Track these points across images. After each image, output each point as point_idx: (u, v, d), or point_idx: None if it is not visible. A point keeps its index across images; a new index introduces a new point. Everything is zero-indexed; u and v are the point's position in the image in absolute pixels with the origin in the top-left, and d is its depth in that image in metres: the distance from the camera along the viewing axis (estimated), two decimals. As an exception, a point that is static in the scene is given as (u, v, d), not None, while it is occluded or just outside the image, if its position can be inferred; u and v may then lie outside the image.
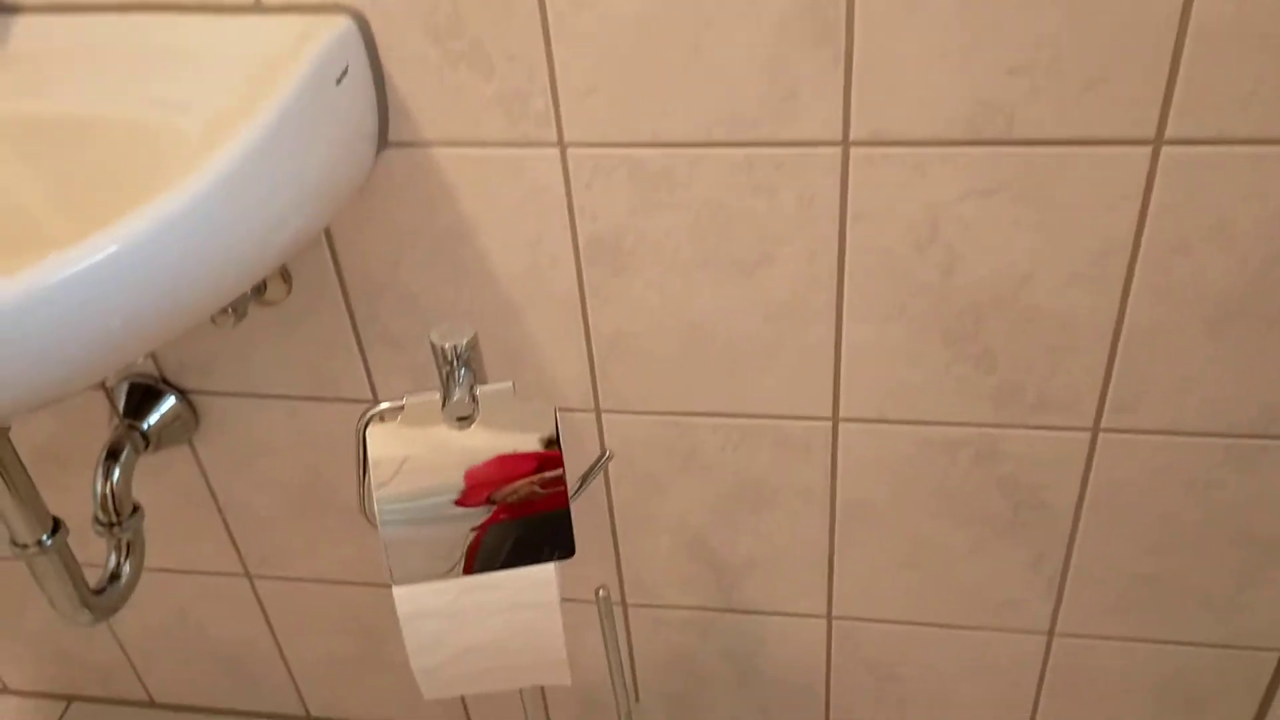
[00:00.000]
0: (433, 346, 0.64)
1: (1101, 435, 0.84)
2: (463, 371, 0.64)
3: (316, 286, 0.87)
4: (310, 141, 0.66)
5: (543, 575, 0.66)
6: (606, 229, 0.80)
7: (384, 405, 0.65)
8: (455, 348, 0.63)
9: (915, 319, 0.80)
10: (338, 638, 1.16)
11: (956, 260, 0.77)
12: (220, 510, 1.06)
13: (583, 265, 0.82)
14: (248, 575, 1.12)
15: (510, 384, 0.64)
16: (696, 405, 0.89)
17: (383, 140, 0.78)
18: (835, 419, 0.87)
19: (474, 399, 0.63)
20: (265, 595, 1.13)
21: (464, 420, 0.63)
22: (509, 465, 0.64)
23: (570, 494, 0.65)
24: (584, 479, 0.69)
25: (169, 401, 0.97)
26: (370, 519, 0.67)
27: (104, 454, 0.93)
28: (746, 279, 0.80)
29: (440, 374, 0.65)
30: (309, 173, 0.66)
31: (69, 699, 1.33)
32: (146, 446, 0.96)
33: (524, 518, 0.64)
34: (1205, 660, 0.97)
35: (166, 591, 1.15)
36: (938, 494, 0.90)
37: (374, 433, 0.63)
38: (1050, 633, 0.99)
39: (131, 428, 0.95)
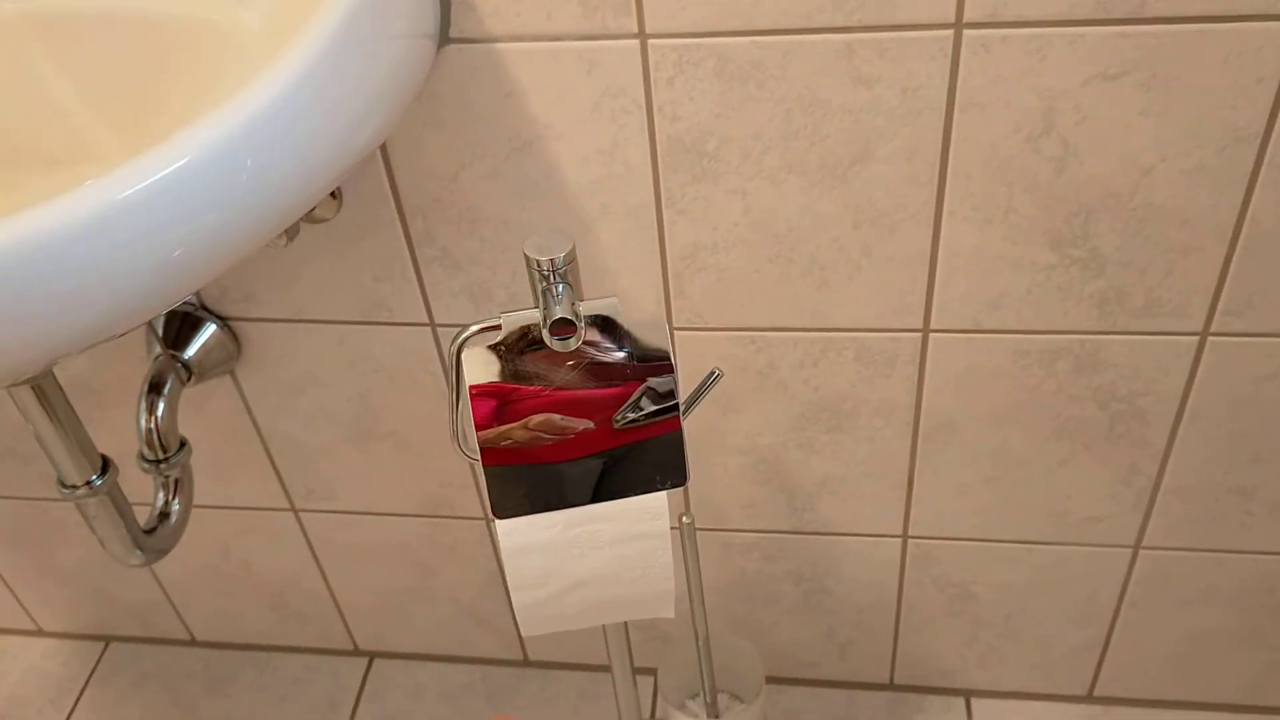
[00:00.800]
0: (528, 260, 0.58)
1: (1210, 339, 0.79)
2: (561, 287, 0.58)
3: (369, 202, 0.81)
4: (379, 36, 0.59)
5: (654, 505, 0.61)
6: (688, 131, 0.74)
7: (478, 325, 0.59)
8: (554, 261, 0.58)
9: (1021, 221, 0.75)
10: (388, 571, 1.12)
11: (1071, 155, 0.71)
12: (265, 443, 1.01)
13: (660, 173, 0.76)
14: (293, 510, 1.08)
15: (614, 299, 0.59)
16: (775, 320, 0.84)
17: (444, 36, 0.71)
18: (926, 330, 0.82)
19: (577, 315, 0.58)
20: (312, 530, 1.09)
21: (566, 340, 0.58)
22: (617, 387, 0.59)
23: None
24: (692, 398, 0.64)
25: (209, 330, 0.91)
26: (465, 451, 0.63)
27: (146, 387, 0.88)
28: (838, 183, 0.75)
29: (535, 290, 0.59)
30: (379, 71, 0.60)
31: (107, 639, 1.29)
32: (189, 378, 0.91)
33: (635, 443, 0.60)
34: (1296, 570, 0.94)
35: (208, 528, 1.11)
36: (1029, 407, 0.86)
37: (470, 356, 0.58)
38: (1136, 546, 0.95)
39: (173, 358, 0.90)
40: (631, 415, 0.59)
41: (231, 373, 0.95)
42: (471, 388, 0.59)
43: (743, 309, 0.83)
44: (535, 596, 0.63)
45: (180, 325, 0.91)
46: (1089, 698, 1.11)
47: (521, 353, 0.59)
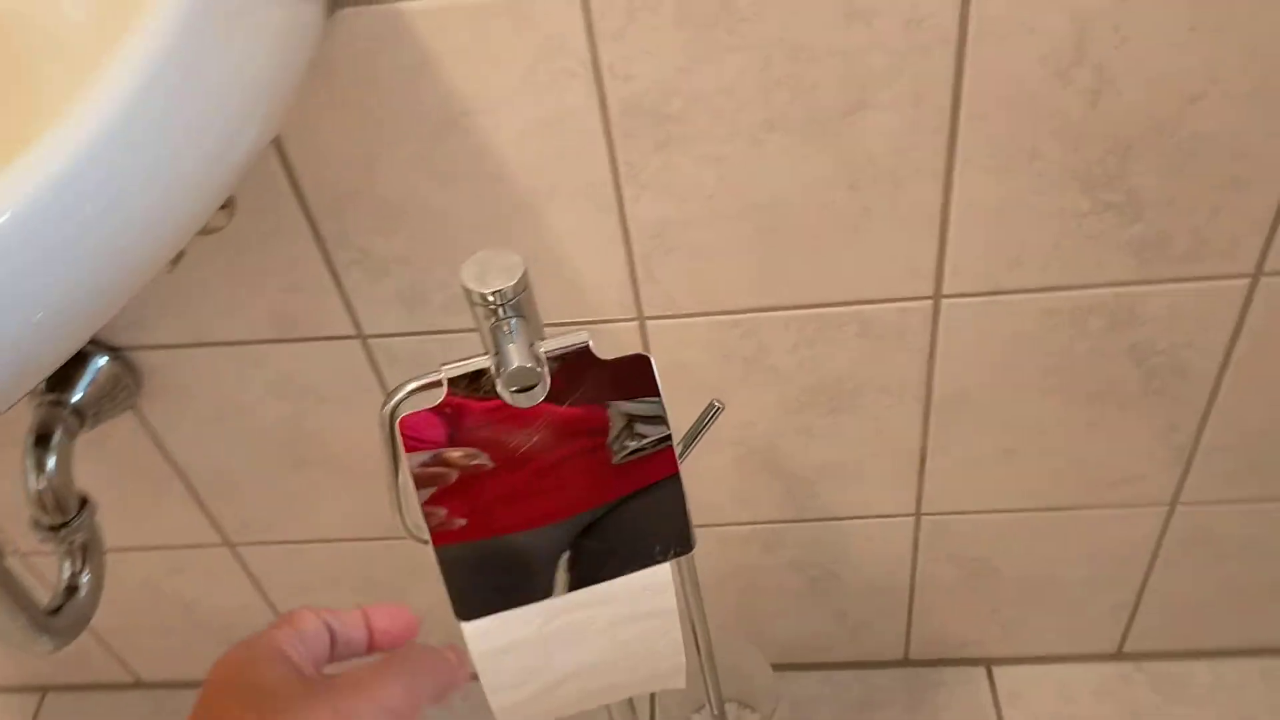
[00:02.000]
0: (468, 293, 0.45)
1: (1263, 280, 0.69)
2: (514, 323, 0.46)
3: (268, 205, 0.68)
4: (244, 10, 0.46)
5: (657, 579, 0.50)
6: (646, 91, 0.61)
7: (413, 383, 0.47)
8: (501, 293, 0.45)
9: (1047, 165, 0.63)
10: (340, 595, 1.00)
11: (1107, 84, 0.59)
12: (184, 478, 0.88)
13: (615, 143, 0.63)
14: (228, 545, 0.95)
15: (585, 334, 0.46)
16: (763, 299, 0.72)
17: None
18: (937, 297, 0.71)
19: (539, 360, 0.45)
20: (253, 563, 0.97)
21: (527, 390, 0.46)
22: (595, 439, 0.47)
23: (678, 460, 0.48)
24: (690, 437, 0.52)
25: (98, 364, 0.78)
26: (413, 532, 0.51)
27: (30, 441, 0.74)
28: (830, 138, 0.62)
29: (482, 329, 0.47)
30: (252, 54, 0.46)
31: (43, 690, 1.17)
32: (81, 424, 0.77)
33: (624, 504, 0.48)
34: (1344, 512, 0.86)
35: (133, 571, 0.98)
36: (1056, 371, 0.75)
37: (410, 422, 0.46)
38: (1172, 504, 0.86)
39: (58, 404, 0.76)
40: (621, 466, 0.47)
41: (134, 408, 0.82)
42: (413, 460, 0.46)
43: (723, 290, 0.71)
44: (517, 697, 0.52)
45: (65, 363, 0.77)
46: (1118, 655, 1.03)
47: (469, 416, 0.47)
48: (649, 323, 0.74)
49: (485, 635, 0.49)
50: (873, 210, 0.66)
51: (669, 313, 0.73)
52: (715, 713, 0.85)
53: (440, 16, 0.58)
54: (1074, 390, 0.77)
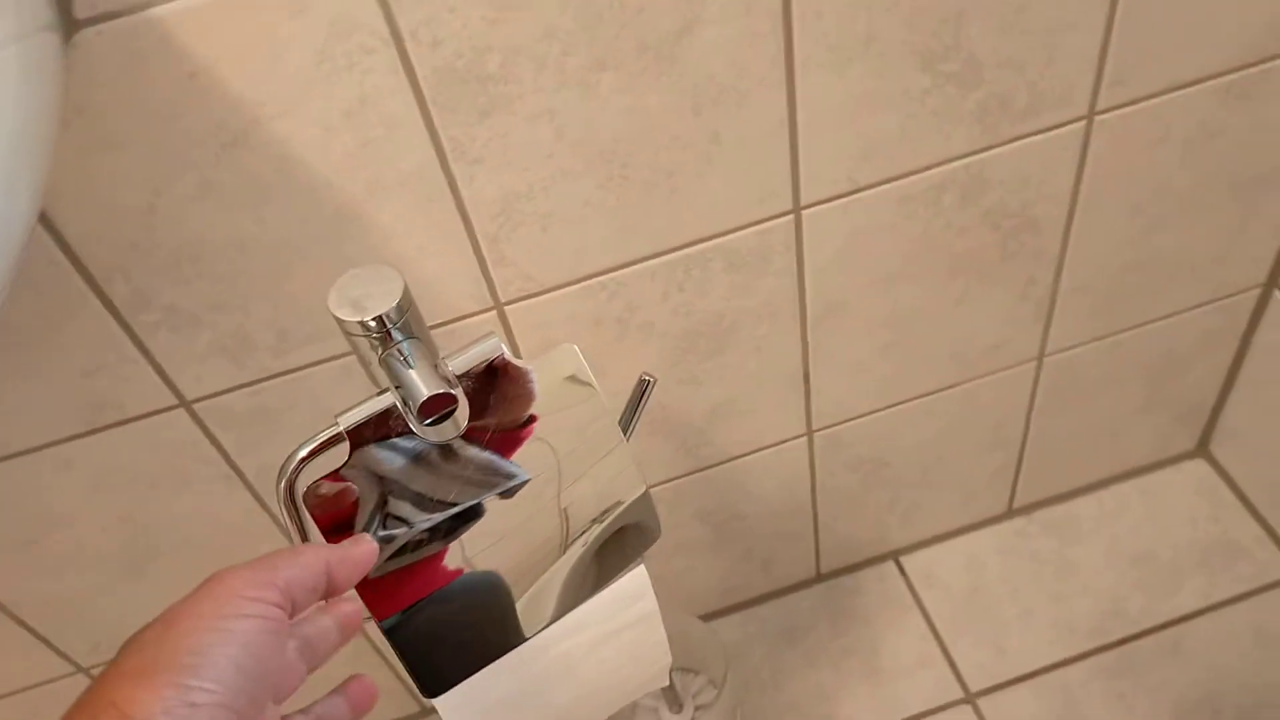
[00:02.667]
0: (344, 326, 0.38)
1: (1096, 120, 0.69)
2: (408, 346, 0.39)
3: (39, 281, 0.57)
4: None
5: (635, 583, 0.45)
6: (458, 54, 0.54)
7: (308, 445, 0.39)
8: (386, 316, 0.38)
9: (885, 46, 0.60)
10: (226, 685, 0.90)
11: (932, -48, 0.57)
12: (10, 613, 0.76)
13: (435, 118, 0.56)
14: (82, 671, 0.83)
15: (494, 337, 0.40)
16: (625, 254, 0.67)
17: (68, 20, 0.47)
18: (797, 210, 0.68)
19: (450, 382, 0.39)
20: (114, 683, 0.85)
21: (447, 418, 0.39)
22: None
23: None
24: (629, 416, 0.46)
25: None
26: None
27: None
28: (666, 66, 0.57)
29: (369, 364, 0.39)
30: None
31: None
32: None
33: (579, 513, 0.42)
34: (1188, 324, 0.90)
35: (-26, 734, 0.85)
36: (919, 256, 0.74)
37: (314, 493, 0.38)
38: (1039, 357, 0.88)
39: None
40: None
41: (-74, 554, 0.69)
42: (326, 530, 0.39)
43: (582, 255, 0.66)
44: None
45: None
46: (1010, 513, 1.06)
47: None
48: (508, 308, 0.67)
49: (463, 704, 0.42)
50: (721, 133, 0.62)
51: (527, 293, 0.67)
52: (665, 686, 0.81)
53: (202, 16, 0.49)
54: (938, 271, 0.76)
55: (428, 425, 0.39)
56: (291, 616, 0.35)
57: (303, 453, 0.38)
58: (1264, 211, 0.81)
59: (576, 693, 0.46)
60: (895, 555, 1.05)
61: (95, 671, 0.83)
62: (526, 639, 0.43)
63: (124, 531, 0.72)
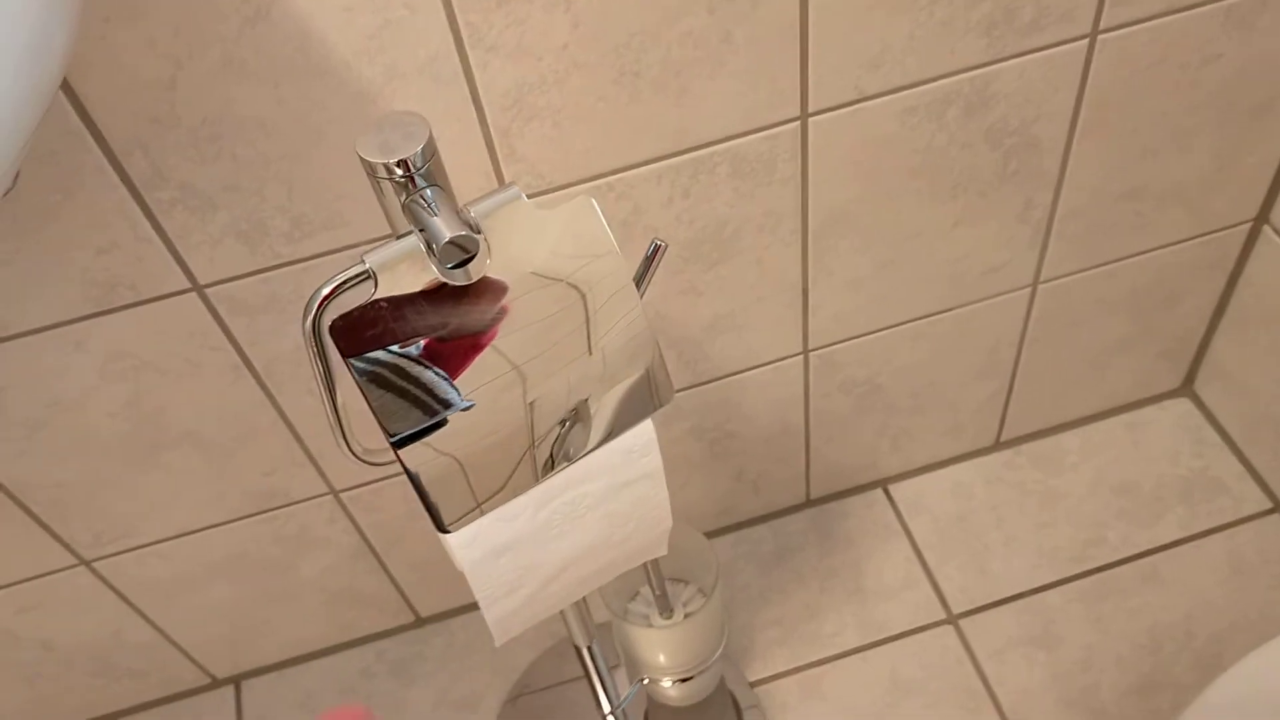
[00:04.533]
0: (369, 168, 0.39)
1: (1100, 39, 0.71)
2: (430, 193, 0.40)
3: (56, 153, 0.58)
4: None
5: (642, 439, 0.46)
6: (480, -64, 0.54)
7: (335, 280, 0.40)
8: (410, 161, 0.39)
9: (898, -48, 0.61)
10: (230, 588, 0.92)
11: None
12: (15, 499, 0.77)
13: (454, 4, 0.57)
14: (84, 563, 0.84)
15: (515, 187, 0.41)
16: (633, 155, 0.68)
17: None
18: (804, 117, 0.69)
19: (472, 227, 0.40)
20: (116, 578, 0.87)
21: (467, 264, 0.40)
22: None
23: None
24: (640, 275, 0.47)
25: (-117, 390, 0.65)
26: (363, 458, 0.44)
27: None
28: (682, -43, 0.58)
29: (388, 210, 0.41)
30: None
31: (-110, 786, 1.02)
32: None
33: (594, 368, 0.44)
34: (1178, 257, 0.92)
35: (-23, 623, 0.86)
36: (921, 171, 0.75)
37: (341, 327, 0.39)
38: (1034, 284, 0.89)
39: None
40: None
41: (-63, 432, 0.70)
42: (357, 367, 0.40)
43: (592, 153, 0.67)
44: (511, 604, 0.47)
45: None
46: (998, 444, 1.08)
47: (409, 305, 0.41)
48: (517, 205, 0.68)
49: (474, 542, 0.44)
50: (734, 33, 0.63)
51: (537, 189, 0.68)
52: (657, 592, 0.83)
53: (230, -119, 0.50)
54: (939, 188, 0.77)
55: (451, 269, 0.40)
56: None
57: (327, 289, 0.40)
58: (1257, 144, 0.83)
59: (581, 545, 0.48)
60: (884, 483, 1.07)
61: (97, 564, 0.84)
62: (538, 482, 0.44)
63: (130, 418, 0.73)
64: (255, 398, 0.75)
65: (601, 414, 0.45)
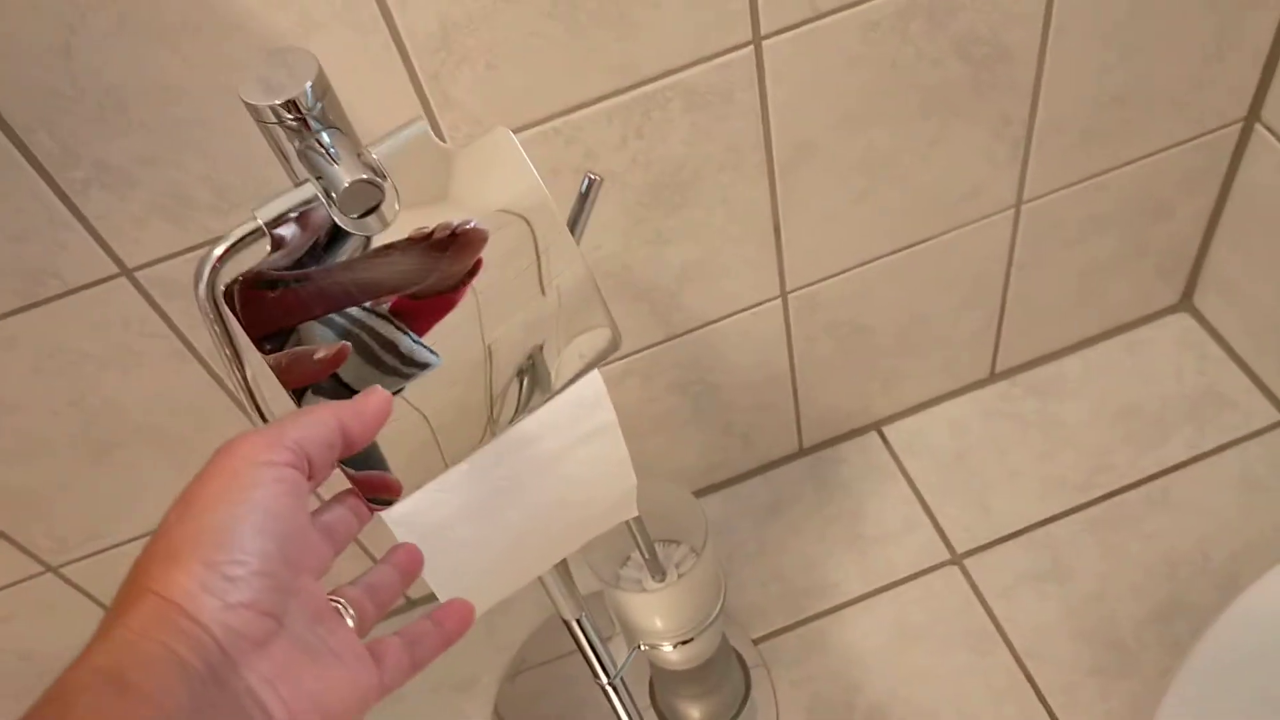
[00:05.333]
0: (256, 113, 0.35)
1: (1068, -67, 0.66)
2: (327, 135, 0.36)
3: (-48, 134, 0.54)
4: None
5: (591, 389, 0.42)
6: None
7: (223, 244, 0.36)
8: (297, 102, 0.35)
9: None
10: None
11: None
12: (-32, 512, 0.74)
13: (362, -63, 0.53)
14: (51, 570, 0.81)
15: (420, 121, 0.37)
16: (578, 95, 0.64)
17: None
18: (757, 40, 0.65)
19: (376, 170, 0.36)
20: (86, 582, 0.83)
21: (371, 211, 0.36)
22: (468, 244, 0.38)
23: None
24: (575, 216, 0.43)
25: None
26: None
27: None
28: None
29: (289, 156, 0.37)
30: None
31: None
32: None
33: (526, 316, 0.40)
34: (1168, 164, 0.87)
35: (-53, 641, 0.83)
36: (889, 92, 0.71)
37: (242, 295, 0.36)
38: (1017, 204, 0.85)
39: None
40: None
41: None
42: (265, 346, 0.36)
43: (533, 94, 0.62)
44: (466, 581, 0.44)
45: None
46: (993, 376, 1.04)
47: (313, 260, 0.37)
48: (458, 158, 0.64)
49: (415, 516, 0.40)
50: (671, -48, 0.58)
51: (474, 134, 0.63)
52: (646, 556, 0.80)
53: None
54: (909, 109, 0.73)
55: (356, 219, 0.36)
56: (311, 477, 0.34)
57: (219, 250, 0.36)
58: (1243, 38, 0.78)
59: (535, 512, 0.44)
60: (878, 426, 1.04)
61: (65, 570, 0.81)
62: (480, 446, 0.41)
63: (76, 417, 0.70)
64: (204, 383, 0.71)
65: (542, 373, 0.41)
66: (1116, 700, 0.84)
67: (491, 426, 0.40)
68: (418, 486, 0.40)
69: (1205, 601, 0.88)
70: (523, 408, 0.41)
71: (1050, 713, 0.85)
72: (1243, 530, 0.91)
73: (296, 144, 0.36)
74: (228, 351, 0.37)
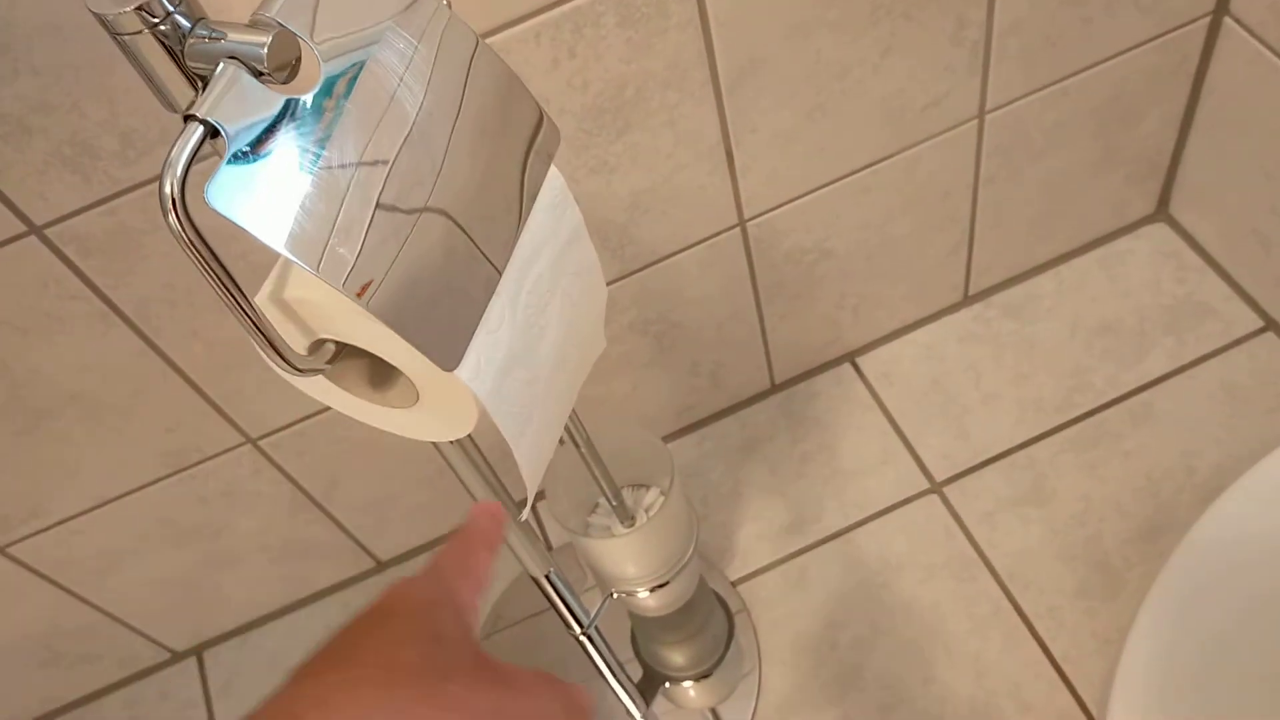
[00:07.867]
0: (114, 29, 0.32)
1: None
2: (203, 26, 0.33)
3: None
4: None
5: (554, 186, 0.42)
6: None
7: (181, 157, 0.32)
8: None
9: None
10: (165, 556, 0.86)
11: None
12: (-101, 496, 0.70)
13: None
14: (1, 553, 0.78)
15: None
16: (498, 13, 0.60)
17: None
18: (690, -55, 0.61)
19: (275, 25, 0.33)
20: (37, 561, 0.81)
21: (294, 73, 0.34)
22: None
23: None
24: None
25: None
26: (300, 366, 0.37)
27: None
28: None
29: (166, 79, 0.33)
30: None
31: None
32: None
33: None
34: (1136, 64, 0.84)
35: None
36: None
37: (215, 192, 0.32)
38: (980, 115, 0.82)
39: None
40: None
41: None
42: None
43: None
44: (531, 432, 0.44)
45: None
46: (966, 300, 1.01)
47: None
48: (380, 89, 0.60)
49: (481, 369, 0.40)
50: None
51: (399, 67, 0.60)
52: (613, 503, 0.77)
53: None
54: (858, 14, 0.69)
55: (287, 82, 0.33)
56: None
57: (179, 169, 0.31)
58: (1208, -79, 0.74)
59: (557, 340, 0.44)
60: (851, 357, 1.01)
61: (12, 550, 0.78)
62: (500, 275, 0.40)
63: (1, 388, 0.66)
64: (135, 347, 0.68)
65: (513, 187, 0.40)
66: (1103, 621, 0.82)
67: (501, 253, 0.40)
68: (481, 309, 0.39)
69: (1190, 517, 0.85)
70: (515, 228, 0.40)
71: (1036, 637, 0.83)
72: (1226, 441, 0.89)
73: (180, 48, 0.32)
74: (220, 283, 0.33)
